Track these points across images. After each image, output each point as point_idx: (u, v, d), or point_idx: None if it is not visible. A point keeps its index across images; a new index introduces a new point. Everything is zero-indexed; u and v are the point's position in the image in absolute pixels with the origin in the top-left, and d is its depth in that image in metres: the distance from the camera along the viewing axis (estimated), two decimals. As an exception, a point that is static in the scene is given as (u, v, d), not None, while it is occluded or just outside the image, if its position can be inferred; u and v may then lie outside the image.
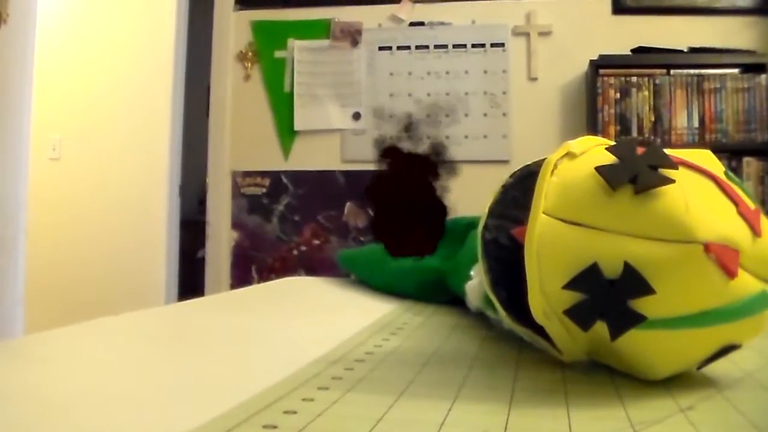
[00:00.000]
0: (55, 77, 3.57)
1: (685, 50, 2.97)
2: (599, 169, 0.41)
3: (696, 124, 2.88)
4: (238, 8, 3.37)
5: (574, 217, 0.42)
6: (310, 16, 3.29)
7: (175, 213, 3.53)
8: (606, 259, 0.40)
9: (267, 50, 3.33)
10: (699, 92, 2.89)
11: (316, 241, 3.22)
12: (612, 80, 2.92)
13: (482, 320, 0.69)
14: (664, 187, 0.40)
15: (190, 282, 3.68)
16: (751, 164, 2.83)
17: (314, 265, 3.20)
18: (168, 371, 0.46)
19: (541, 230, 0.42)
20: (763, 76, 2.85)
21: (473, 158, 3.13)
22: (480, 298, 0.62)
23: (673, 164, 0.42)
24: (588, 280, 0.40)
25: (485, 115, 3.14)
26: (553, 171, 0.44)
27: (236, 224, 3.31)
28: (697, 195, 0.41)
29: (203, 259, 3.40)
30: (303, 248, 3.22)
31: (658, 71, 2.92)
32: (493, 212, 0.49)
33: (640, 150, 0.43)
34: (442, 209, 0.63)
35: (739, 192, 0.43)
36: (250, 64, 3.34)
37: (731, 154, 2.83)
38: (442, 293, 0.81)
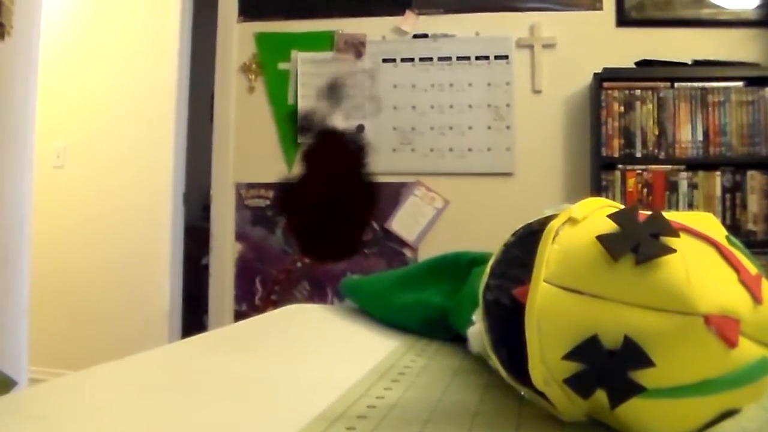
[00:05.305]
0: (59, 86, 3.59)
1: (690, 63, 2.97)
2: (600, 239, 0.42)
3: (700, 137, 2.87)
4: (242, 20, 3.38)
5: (575, 285, 0.42)
6: (313, 28, 3.30)
7: (179, 220, 3.54)
8: (606, 330, 0.40)
9: (271, 62, 3.33)
10: (703, 105, 2.89)
11: (320, 254, 3.22)
12: (616, 93, 2.92)
13: (484, 364, 0.69)
14: (665, 257, 0.40)
15: (195, 288, 3.68)
16: (755, 178, 2.82)
17: (318, 278, 3.21)
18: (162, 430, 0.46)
19: (542, 299, 0.42)
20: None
21: (477, 171, 3.14)
22: (482, 345, 0.62)
23: (675, 232, 0.42)
24: (588, 351, 0.40)
25: (489, 127, 3.14)
26: (554, 238, 0.44)
27: (240, 236, 3.32)
28: (699, 264, 0.41)
29: (207, 266, 3.41)
30: (307, 261, 3.22)
31: (662, 84, 2.92)
32: (494, 272, 0.49)
33: (641, 216, 0.43)
34: (365, 213, 0.62)
35: (740, 257, 0.43)
36: (253, 76, 3.34)
37: (735, 167, 2.83)
38: (445, 330, 0.81)
